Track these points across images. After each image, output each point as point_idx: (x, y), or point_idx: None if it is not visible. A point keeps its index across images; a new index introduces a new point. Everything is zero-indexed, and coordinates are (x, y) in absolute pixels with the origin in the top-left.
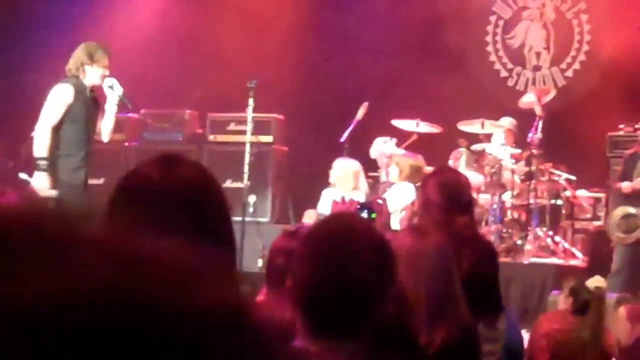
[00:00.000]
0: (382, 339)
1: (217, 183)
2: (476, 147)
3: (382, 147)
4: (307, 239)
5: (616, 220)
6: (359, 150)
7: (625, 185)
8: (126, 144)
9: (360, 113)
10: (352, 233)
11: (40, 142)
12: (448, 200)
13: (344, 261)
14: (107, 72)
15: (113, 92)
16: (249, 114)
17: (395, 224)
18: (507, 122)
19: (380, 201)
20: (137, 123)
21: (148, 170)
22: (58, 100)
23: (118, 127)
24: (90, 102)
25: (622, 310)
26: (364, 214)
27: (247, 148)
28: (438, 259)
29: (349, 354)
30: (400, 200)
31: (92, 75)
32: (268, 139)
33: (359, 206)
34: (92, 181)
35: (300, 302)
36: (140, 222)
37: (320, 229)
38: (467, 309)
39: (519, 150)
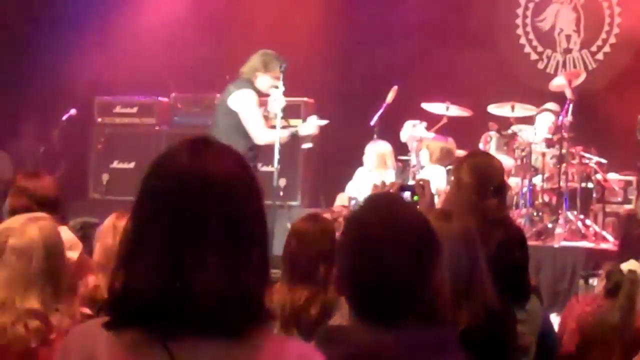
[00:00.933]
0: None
1: (251, 168)
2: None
3: (412, 131)
4: (348, 224)
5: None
6: (389, 133)
7: None
8: (157, 127)
9: (390, 96)
10: (394, 217)
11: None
12: (479, 182)
13: (386, 246)
14: (277, 84)
15: (275, 104)
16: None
17: None
18: (551, 105)
19: (422, 182)
20: (168, 107)
21: (178, 153)
22: (253, 106)
23: (148, 110)
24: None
25: None
26: (406, 196)
27: (278, 130)
28: (462, 241)
29: (398, 339)
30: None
31: (262, 83)
32: (298, 122)
33: (401, 188)
34: (122, 165)
35: (346, 289)
36: (170, 210)
37: (361, 213)
38: (494, 291)
39: (549, 134)
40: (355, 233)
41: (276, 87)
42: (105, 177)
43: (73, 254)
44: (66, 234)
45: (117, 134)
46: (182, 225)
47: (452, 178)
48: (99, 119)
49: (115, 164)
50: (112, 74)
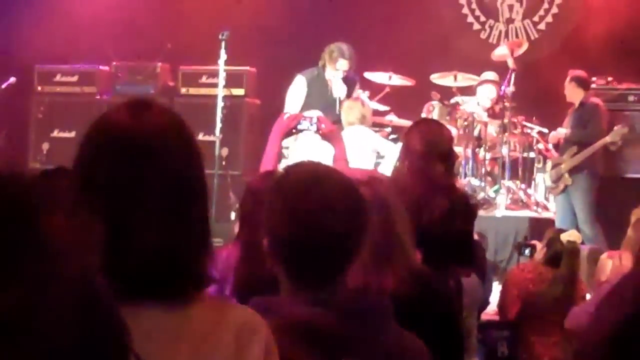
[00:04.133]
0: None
1: (190, 131)
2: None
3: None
4: (276, 189)
5: (548, 171)
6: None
7: (551, 136)
8: (97, 96)
9: None
10: (321, 180)
11: None
12: (427, 148)
13: (316, 209)
14: (337, 75)
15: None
16: (221, 66)
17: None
18: (491, 74)
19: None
20: (109, 76)
21: (118, 115)
22: (292, 91)
23: (89, 79)
24: (328, 94)
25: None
26: (306, 124)
27: (220, 101)
28: (376, 206)
29: (331, 308)
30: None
31: (328, 73)
32: (240, 91)
33: (302, 119)
34: (63, 134)
35: (277, 255)
36: (109, 169)
37: (288, 178)
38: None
39: (490, 105)
40: (286, 201)
41: (338, 76)
42: (45, 146)
43: None
44: None
45: (57, 102)
46: (120, 185)
47: (402, 144)
48: (39, 88)
49: (56, 133)
50: (53, 42)
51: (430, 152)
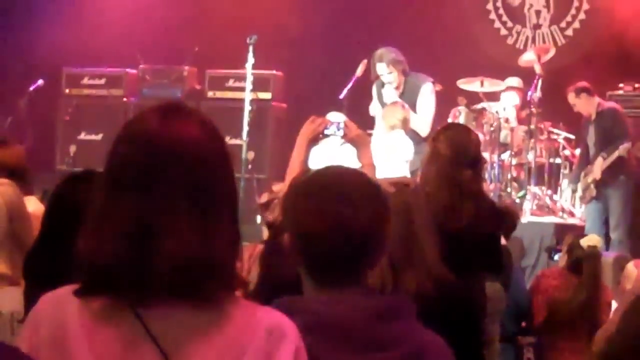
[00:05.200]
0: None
1: (221, 135)
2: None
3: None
4: (302, 189)
5: (582, 179)
6: (358, 107)
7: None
8: (125, 99)
9: (360, 70)
10: (345, 181)
11: None
12: (456, 154)
13: (339, 208)
14: (384, 79)
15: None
16: (249, 70)
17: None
18: (514, 80)
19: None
20: (136, 79)
21: (148, 119)
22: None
23: (116, 82)
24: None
25: (631, 266)
26: (333, 129)
27: (247, 104)
28: (395, 206)
29: (354, 307)
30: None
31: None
32: (267, 95)
33: (329, 124)
34: (90, 137)
35: (299, 253)
36: (139, 173)
37: (314, 178)
38: (439, 261)
39: (513, 110)
40: (310, 200)
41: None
42: (72, 148)
43: None
44: (34, 204)
45: (84, 105)
46: (150, 190)
47: (429, 149)
48: (67, 90)
49: (83, 136)
50: (81, 44)
51: (459, 158)
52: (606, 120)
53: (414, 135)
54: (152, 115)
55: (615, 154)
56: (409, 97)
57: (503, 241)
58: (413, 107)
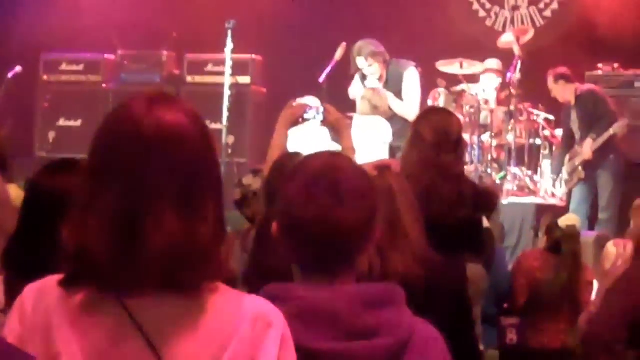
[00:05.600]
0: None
1: (204, 123)
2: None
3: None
4: (291, 176)
5: (566, 164)
6: (338, 90)
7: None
8: (103, 85)
9: (339, 53)
10: (336, 168)
11: None
12: (438, 138)
13: (328, 195)
14: (366, 72)
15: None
16: (228, 54)
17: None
18: (493, 62)
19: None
20: (114, 64)
21: (134, 107)
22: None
23: (95, 68)
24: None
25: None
26: (312, 113)
27: (226, 89)
28: (381, 194)
29: (342, 294)
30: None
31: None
32: (246, 79)
33: (308, 108)
34: (69, 123)
35: (288, 241)
36: (124, 161)
37: (303, 165)
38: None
39: (494, 92)
40: (299, 187)
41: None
42: (51, 135)
43: None
44: (16, 192)
45: (63, 91)
46: (135, 179)
47: (411, 132)
48: (45, 77)
49: (62, 122)
50: (58, 30)
51: (440, 142)
52: (587, 103)
53: (400, 120)
54: (137, 103)
55: (610, 132)
56: (393, 85)
57: (485, 223)
58: (399, 95)
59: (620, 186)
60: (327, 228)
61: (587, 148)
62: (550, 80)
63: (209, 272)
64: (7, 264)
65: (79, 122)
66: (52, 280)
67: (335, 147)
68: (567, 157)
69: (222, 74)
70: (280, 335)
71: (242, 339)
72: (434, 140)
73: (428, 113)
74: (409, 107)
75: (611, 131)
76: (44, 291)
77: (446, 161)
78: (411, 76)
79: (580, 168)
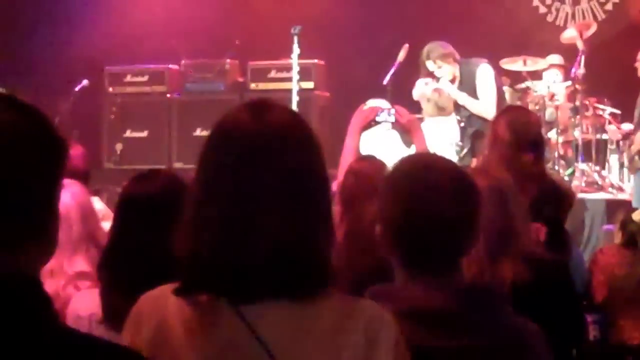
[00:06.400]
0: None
1: (309, 126)
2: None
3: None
4: (389, 177)
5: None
6: (402, 92)
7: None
8: (168, 95)
9: (402, 55)
10: (432, 166)
11: None
12: (516, 137)
13: (425, 195)
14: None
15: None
16: (295, 60)
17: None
18: (555, 58)
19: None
20: (179, 74)
21: (239, 116)
22: None
23: (159, 78)
24: None
25: None
26: (384, 115)
27: (294, 95)
28: (489, 197)
29: (449, 294)
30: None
31: None
32: (309, 85)
33: (380, 111)
34: (135, 134)
35: (391, 241)
36: (232, 170)
37: (400, 166)
38: (533, 244)
39: (561, 87)
40: (397, 187)
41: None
42: (118, 146)
43: (106, 224)
44: (97, 204)
45: (128, 103)
46: (246, 187)
47: (489, 133)
48: (110, 89)
49: (128, 133)
50: (121, 42)
51: (519, 141)
52: None
53: (478, 119)
54: (243, 110)
55: None
56: (467, 85)
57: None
58: (474, 94)
59: None
60: (429, 228)
61: (638, 137)
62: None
63: (321, 278)
64: (101, 275)
65: (145, 133)
66: (166, 289)
67: (406, 149)
68: (627, 145)
69: (285, 80)
70: (394, 338)
71: (357, 343)
72: (512, 140)
73: (506, 112)
74: (486, 105)
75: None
76: (159, 300)
77: (526, 160)
78: (484, 73)
79: (637, 157)
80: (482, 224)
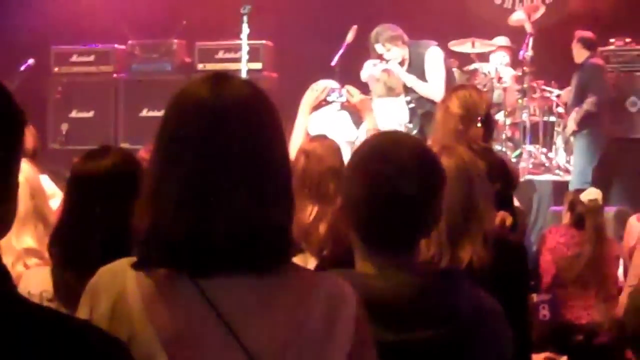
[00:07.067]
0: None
1: (270, 100)
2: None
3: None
4: (355, 157)
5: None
6: (350, 73)
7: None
8: (114, 75)
9: (350, 36)
10: (398, 144)
11: None
12: (467, 112)
13: (389, 171)
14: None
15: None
16: (244, 40)
17: None
18: (502, 40)
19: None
20: (125, 54)
21: (197, 87)
22: None
23: (106, 58)
24: None
25: (634, 221)
26: (335, 95)
27: (243, 75)
28: (455, 177)
29: (406, 268)
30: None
31: None
32: (257, 65)
33: (331, 90)
34: (81, 114)
35: (353, 220)
36: (192, 140)
37: (367, 146)
38: (492, 223)
39: (509, 69)
40: (360, 164)
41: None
42: (64, 126)
43: (54, 202)
44: (46, 183)
45: (74, 83)
46: (205, 159)
47: (440, 110)
48: (56, 69)
49: (74, 114)
50: (67, 21)
51: (470, 116)
52: (584, 75)
53: (428, 102)
54: (202, 82)
55: (584, 107)
56: (416, 67)
57: (515, 201)
58: (423, 76)
59: (589, 161)
60: (388, 204)
61: (570, 122)
62: (574, 41)
63: (282, 251)
64: (53, 252)
65: (91, 113)
66: (124, 263)
67: (356, 129)
68: (561, 128)
69: (233, 60)
70: (355, 313)
71: (317, 318)
72: (463, 114)
73: (457, 89)
74: (434, 88)
75: (584, 107)
76: (117, 274)
77: (475, 134)
78: (433, 56)
79: (572, 139)
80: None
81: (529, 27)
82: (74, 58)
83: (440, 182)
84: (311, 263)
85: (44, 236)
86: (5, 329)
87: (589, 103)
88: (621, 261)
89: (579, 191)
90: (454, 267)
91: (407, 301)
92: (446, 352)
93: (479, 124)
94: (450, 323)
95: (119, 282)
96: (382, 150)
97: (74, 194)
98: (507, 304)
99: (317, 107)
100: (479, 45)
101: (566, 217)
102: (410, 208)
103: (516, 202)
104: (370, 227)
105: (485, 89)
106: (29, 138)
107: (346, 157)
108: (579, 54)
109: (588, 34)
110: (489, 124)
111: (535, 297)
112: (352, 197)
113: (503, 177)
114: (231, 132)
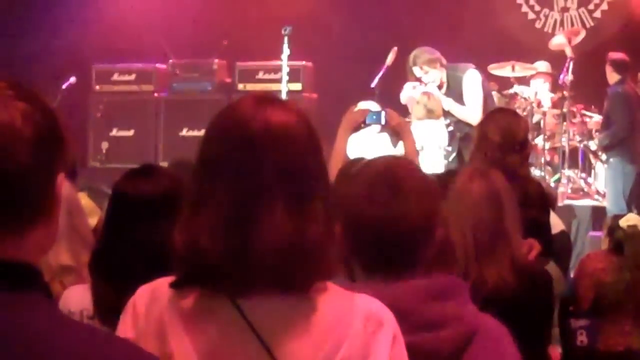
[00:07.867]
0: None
1: (311, 123)
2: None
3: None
4: (354, 181)
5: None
6: (390, 95)
7: None
8: (155, 94)
9: (390, 58)
10: (397, 171)
11: None
12: (504, 138)
13: (389, 199)
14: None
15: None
16: (284, 61)
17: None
18: (543, 65)
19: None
20: (166, 74)
21: (241, 108)
22: None
23: (146, 78)
24: None
25: None
26: (374, 119)
27: (284, 96)
28: (484, 199)
29: (410, 284)
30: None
31: None
32: (297, 86)
33: (369, 113)
34: (122, 133)
35: (350, 242)
36: (232, 159)
37: (367, 170)
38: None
39: (549, 93)
40: (360, 191)
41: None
42: (104, 145)
43: (92, 220)
44: (84, 200)
45: (115, 101)
46: (245, 180)
47: (477, 134)
48: (97, 87)
49: (115, 132)
50: (109, 41)
51: (507, 142)
52: (608, 102)
53: (466, 125)
54: (244, 103)
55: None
56: (454, 90)
57: (560, 225)
58: (460, 99)
59: (621, 188)
60: (388, 225)
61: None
62: (607, 62)
63: (320, 272)
64: (93, 270)
65: (131, 132)
66: (164, 282)
67: (396, 151)
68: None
69: (273, 81)
70: (391, 334)
71: (354, 339)
72: (501, 141)
73: (494, 114)
74: (471, 111)
75: (604, 139)
76: (156, 293)
77: (512, 162)
78: (471, 79)
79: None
80: (475, 224)
81: (569, 52)
82: (115, 77)
83: (436, 207)
84: None
85: (80, 254)
86: (51, 347)
87: (606, 135)
88: None
89: (618, 217)
90: (454, 278)
91: (408, 306)
92: (447, 357)
93: (516, 152)
94: (450, 329)
95: (158, 301)
96: (379, 174)
97: (117, 213)
98: (524, 331)
99: (356, 129)
100: (519, 69)
101: (605, 243)
102: (407, 230)
103: (562, 226)
104: (369, 250)
105: (524, 113)
106: (69, 156)
107: None
108: (610, 77)
109: (619, 55)
110: (526, 150)
111: (573, 323)
112: (350, 219)
113: (539, 203)
114: (272, 154)
